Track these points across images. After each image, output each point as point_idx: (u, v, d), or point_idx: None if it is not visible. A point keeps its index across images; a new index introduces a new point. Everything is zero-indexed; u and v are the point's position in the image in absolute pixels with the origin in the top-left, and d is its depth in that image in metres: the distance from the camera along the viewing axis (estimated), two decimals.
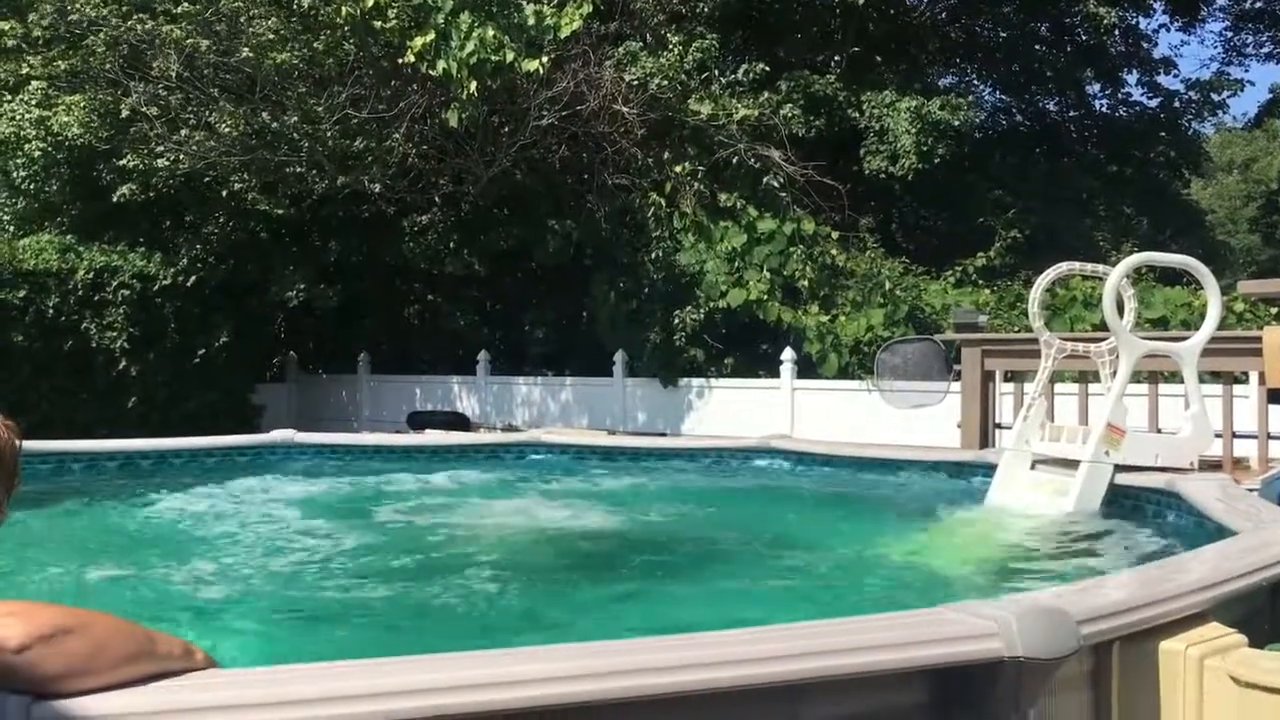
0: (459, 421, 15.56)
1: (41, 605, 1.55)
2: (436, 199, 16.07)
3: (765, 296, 14.48)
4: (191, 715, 1.54)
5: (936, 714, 2.13)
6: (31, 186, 14.94)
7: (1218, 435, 6.10)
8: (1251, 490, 4.59)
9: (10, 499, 1.80)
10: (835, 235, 15.25)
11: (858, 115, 17.27)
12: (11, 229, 15.62)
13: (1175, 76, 24.02)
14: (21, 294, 13.89)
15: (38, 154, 14.37)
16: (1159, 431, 6.27)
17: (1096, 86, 24.32)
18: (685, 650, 1.90)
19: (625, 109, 14.86)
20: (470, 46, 12.81)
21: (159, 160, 13.98)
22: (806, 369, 14.13)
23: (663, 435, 13.63)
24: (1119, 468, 5.26)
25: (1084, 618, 2.21)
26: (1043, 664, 2.07)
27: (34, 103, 14.33)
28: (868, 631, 2.03)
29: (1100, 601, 2.41)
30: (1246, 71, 30.37)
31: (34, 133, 14.22)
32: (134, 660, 1.56)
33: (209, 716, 1.54)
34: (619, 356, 15.50)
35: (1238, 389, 7.25)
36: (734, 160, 15.37)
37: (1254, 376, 8.09)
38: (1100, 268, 6.12)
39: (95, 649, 1.51)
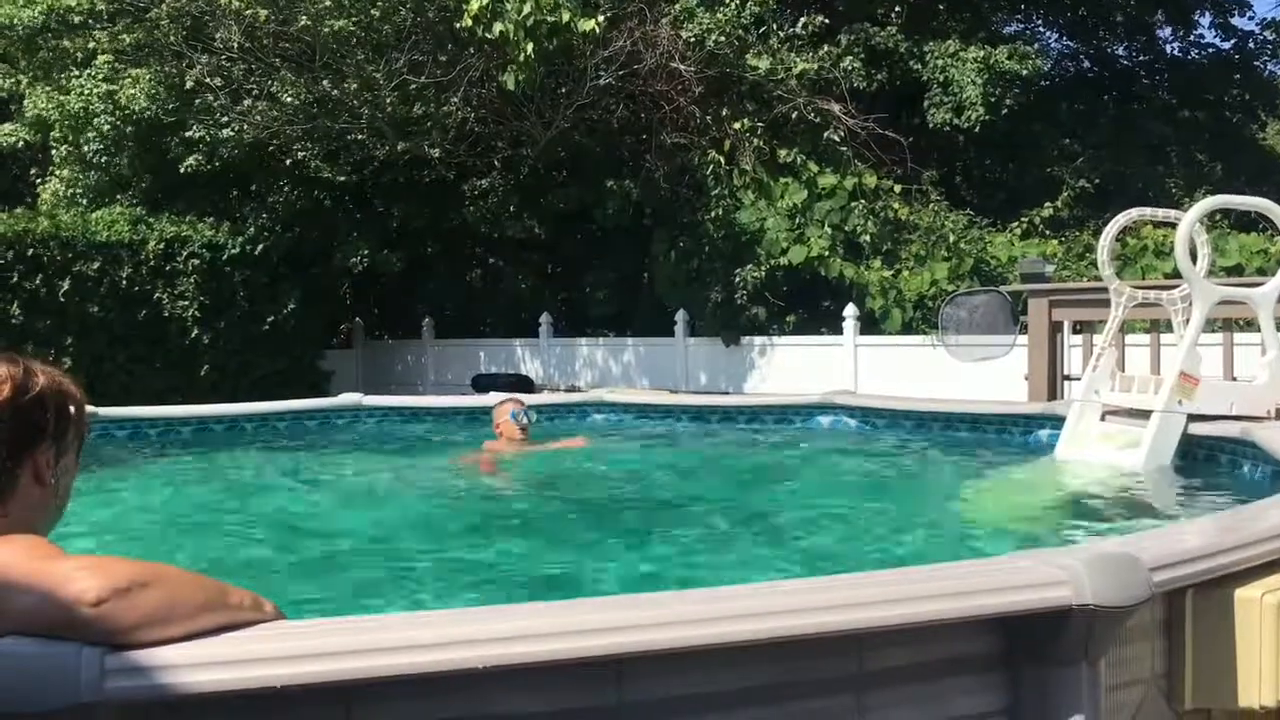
0: (523, 383, 15.66)
1: (115, 559, 1.58)
2: (496, 162, 16.11)
3: (827, 253, 14.34)
4: (265, 665, 1.57)
5: (1004, 663, 2.11)
6: (102, 160, 15.25)
7: None
8: None
9: (80, 456, 1.84)
10: (897, 189, 15.03)
11: (920, 67, 16.93)
12: (84, 202, 15.96)
13: (1250, 18, 23.25)
14: (96, 265, 14.21)
15: (107, 128, 14.65)
16: (1234, 380, 6.12)
17: (1167, 30, 23.60)
18: (752, 599, 1.90)
19: (682, 66, 14.73)
20: (526, 8, 12.77)
21: (224, 131, 14.18)
22: (869, 325, 14.00)
23: (725, 394, 13.61)
24: (1192, 417, 5.15)
25: (1156, 565, 2.17)
26: (1113, 612, 2.03)
27: (101, 77, 14.59)
28: (936, 580, 2.01)
29: (1173, 549, 2.37)
30: None
31: (102, 107, 14.49)
32: (206, 611, 1.59)
33: (282, 666, 1.57)
34: (680, 316, 15.48)
35: None
36: (793, 115, 15.18)
37: None
38: (1172, 213, 5.97)
39: (169, 601, 1.54)
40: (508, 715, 1.75)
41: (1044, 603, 2.00)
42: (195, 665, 1.52)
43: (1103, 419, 5.60)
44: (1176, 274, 5.65)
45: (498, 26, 12.84)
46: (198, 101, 14.27)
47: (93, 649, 1.47)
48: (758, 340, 14.92)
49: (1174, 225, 5.66)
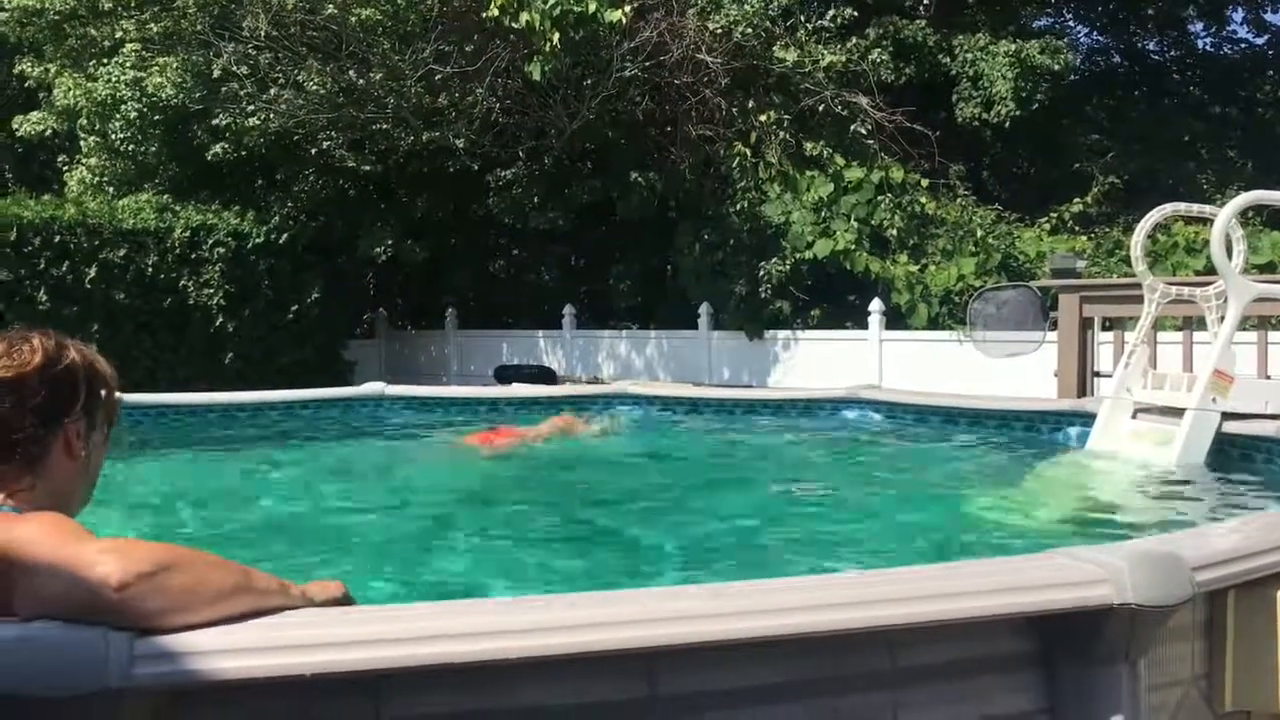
0: (546, 375, 15.66)
1: (140, 542, 1.57)
2: (520, 153, 16.09)
3: (853, 246, 14.25)
4: (294, 652, 1.55)
5: (1043, 662, 2.07)
6: (129, 148, 15.31)
7: None
8: None
9: (110, 436, 1.85)
10: (925, 183, 14.92)
11: (949, 61, 16.80)
12: (111, 190, 16.04)
13: None
14: (122, 253, 14.27)
15: (134, 115, 14.71)
16: (1268, 378, 6.03)
17: (1199, 25, 23.37)
18: (787, 594, 1.87)
19: (709, 58, 14.66)
20: None
21: (250, 120, 14.21)
22: (895, 320, 13.91)
23: (748, 388, 13.56)
24: (1226, 415, 5.07)
25: (1198, 564, 2.13)
26: (1154, 612, 1.99)
27: (128, 65, 14.66)
28: (975, 576, 1.97)
29: (1215, 548, 2.33)
30: None
31: (129, 95, 14.55)
32: (233, 595, 1.57)
33: (311, 654, 1.55)
34: (704, 309, 15.43)
35: None
36: (820, 108, 15.09)
37: None
38: (1207, 209, 5.88)
39: (194, 585, 1.52)
40: (538, 708, 1.72)
41: (1085, 601, 1.96)
42: (225, 652, 1.51)
43: (1134, 416, 5.53)
44: (1207, 270, 5.57)
45: (524, 16, 12.80)
46: (224, 90, 14.31)
47: (121, 634, 1.45)
48: (782, 334, 14.86)
49: (1207, 221, 5.58)
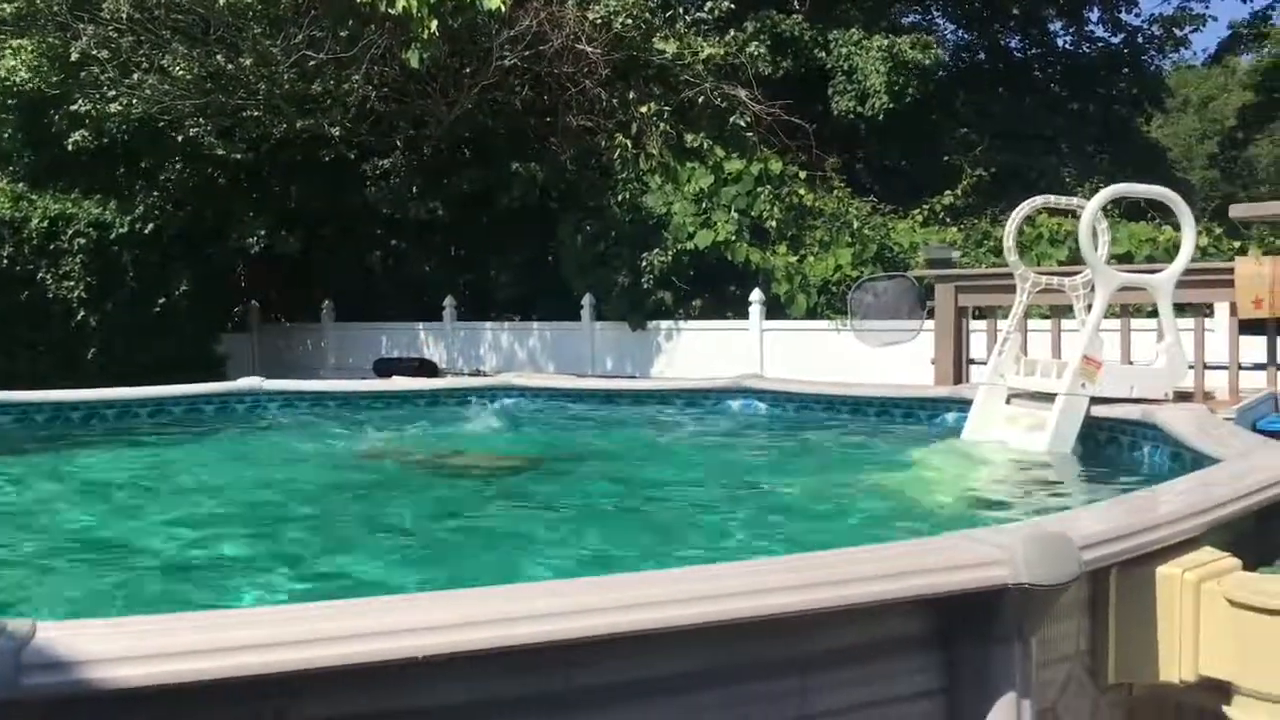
0: (427, 368, 15.45)
1: None
2: (398, 142, 15.82)
3: (733, 238, 14.41)
4: (192, 658, 1.48)
5: (939, 644, 2.11)
6: None
7: (1190, 367, 6.13)
8: (1228, 419, 4.62)
9: None
10: (802, 175, 15.17)
11: (824, 55, 17.12)
12: None
13: (1136, 15, 24.07)
14: None
15: None
16: (1132, 364, 6.30)
17: (1059, 24, 24.29)
18: (688, 583, 1.87)
19: (589, 48, 14.64)
20: None
21: (111, 105, 13.64)
22: (775, 310, 14.12)
23: (632, 378, 13.60)
24: (1094, 400, 5.28)
25: (1085, 543, 2.20)
26: (1047, 591, 2.06)
27: None
28: (880, 560, 2.00)
29: (1100, 528, 2.41)
30: (1207, 7, 30.33)
31: None
32: None
33: (210, 659, 1.49)
34: (586, 300, 15.42)
35: (1206, 321, 7.27)
36: (700, 100, 15.21)
37: (1220, 309, 8.16)
38: (1074, 201, 6.11)
39: None
40: (449, 706, 1.69)
41: (982, 582, 2.01)
42: (120, 659, 1.44)
43: (1008, 402, 5.71)
44: (1071, 261, 5.80)
45: (400, 2, 12.56)
46: (83, 74, 13.71)
47: (7, 644, 1.37)
48: (664, 325, 14.94)
49: (1070, 213, 5.80)
